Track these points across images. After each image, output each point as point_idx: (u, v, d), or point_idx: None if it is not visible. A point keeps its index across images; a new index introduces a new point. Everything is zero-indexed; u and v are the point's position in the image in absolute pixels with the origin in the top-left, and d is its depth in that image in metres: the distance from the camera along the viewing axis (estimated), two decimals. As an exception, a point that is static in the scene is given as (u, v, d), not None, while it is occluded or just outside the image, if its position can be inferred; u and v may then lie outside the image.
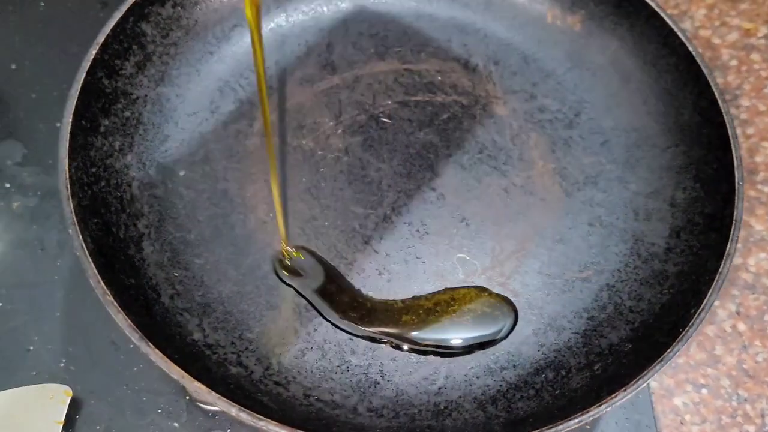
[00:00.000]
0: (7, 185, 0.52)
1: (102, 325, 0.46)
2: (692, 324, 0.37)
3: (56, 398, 0.42)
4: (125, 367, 0.45)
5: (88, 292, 0.45)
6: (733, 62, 0.62)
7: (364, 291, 0.45)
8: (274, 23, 0.54)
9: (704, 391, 0.47)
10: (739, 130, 0.58)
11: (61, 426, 0.41)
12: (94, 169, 0.43)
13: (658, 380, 0.48)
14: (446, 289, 0.45)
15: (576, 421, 0.35)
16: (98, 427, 0.43)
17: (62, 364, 0.45)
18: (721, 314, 0.50)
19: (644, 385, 0.36)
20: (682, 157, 0.48)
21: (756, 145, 0.58)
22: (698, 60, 0.47)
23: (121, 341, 0.46)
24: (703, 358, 0.49)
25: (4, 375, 0.44)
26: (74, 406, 0.43)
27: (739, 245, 0.53)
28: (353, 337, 0.43)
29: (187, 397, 0.44)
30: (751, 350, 0.49)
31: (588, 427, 0.45)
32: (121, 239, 0.42)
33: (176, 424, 0.43)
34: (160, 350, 0.35)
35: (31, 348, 0.45)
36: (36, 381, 0.44)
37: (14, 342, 0.46)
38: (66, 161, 0.40)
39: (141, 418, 0.44)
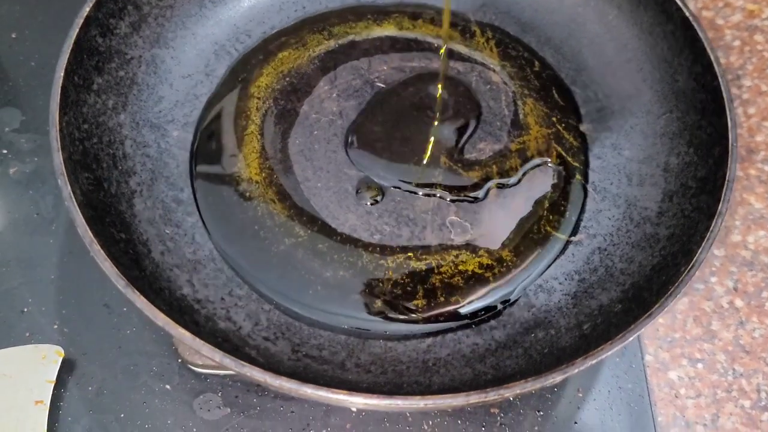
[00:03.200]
0: (5, 151, 0.52)
1: (95, 288, 0.46)
2: (681, 281, 0.37)
3: (48, 358, 0.43)
4: (118, 330, 0.45)
5: (82, 256, 0.46)
6: (736, 43, 0.62)
7: (353, 252, 0.45)
8: (271, -11, 0.54)
9: (700, 365, 0.47)
10: (740, 110, 0.58)
11: (52, 385, 0.42)
12: (86, 126, 0.43)
13: (653, 354, 0.47)
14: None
15: (561, 373, 0.34)
16: (90, 388, 0.43)
17: (55, 326, 0.45)
18: (719, 290, 0.50)
19: (630, 338, 0.36)
20: (677, 124, 0.48)
21: (757, 124, 0.58)
22: (695, 25, 0.46)
23: (114, 304, 0.46)
24: (699, 333, 0.48)
25: (-2, 335, 0.44)
26: (66, 367, 0.43)
27: (737, 222, 0.52)
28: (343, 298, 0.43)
29: (179, 360, 0.44)
30: (748, 326, 0.49)
31: (580, 395, 0.45)
32: (113, 194, 0.42)
33: (168, 386, 0.44)
34: (147, 300, 0.35)
35: (26, 309, 0.46)
36: (29, 342, 0.44)
37: (9, 303, 0.46)
38: (56, 114, 0.40)
39: (132, 380, 0.44)
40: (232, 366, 0.33)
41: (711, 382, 0.47)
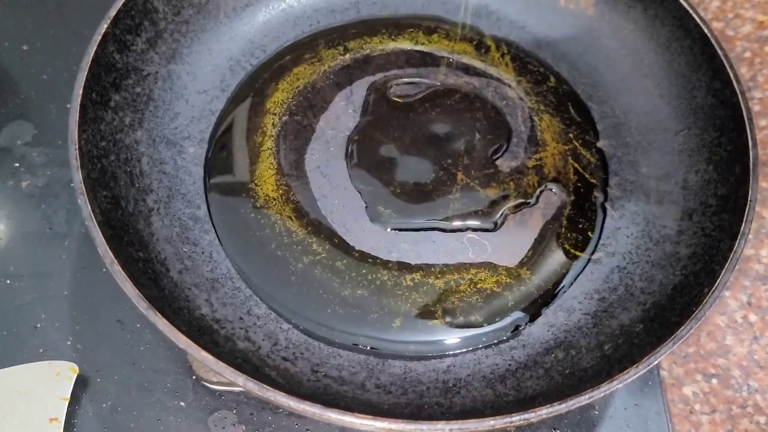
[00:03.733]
0: (17, 164, 0.52)
1: (109, 305, 0.46)
2: (705, 302, 0.37)
3: (62, 375, 0.42)
4: (132, 346, 0.45)
5: (95, 272, 0.46)
6: (747, 54, 0.61)
7: (371, 270, 0.44)
8: (285, 4, 0.54)
9: (714, 380, 0.47)
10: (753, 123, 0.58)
11: (66, 402, 0.41)
12: (104, 143, 0.43)
13: (668, 369, 0.47)
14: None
15: (586, 397, 0.34)
16: (104, 405, 0.43)
17: (69, 342, 0.45)
18: (732, 305, 0.49)
19: (655, 362, 0.35)
20: (695, 140, 0.47)
21: (768, 136, 0.57)
22: (713, 41, 0.46)
23: (128, 320, 0.45)
24: (713, 347, 0.48)
25: (12, 351, 0.44)
26: (80, 384, 0.43)
27: (750, 236, 0.52)
28: (362, 317, 0.43)
29: (194, 377, 0.44)
30: (762, 341, 0.48)
31: (597, 412, 0.45)
32: (130, 213, 0.42)
33: (182, 403, 0.43)
34: (168, 322, 0.35)
35: (39, 325, 0.45)
36: (43, 358, 0.44)
37: (22, 319, 0.45)
38: (76, 132, 0.39)
39: (147, 397, 0.43)
40: (255, 390, 0.33)
41: (726, 398, 0.46)
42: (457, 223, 0.46)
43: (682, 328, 0.36)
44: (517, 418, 0.33)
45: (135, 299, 0.35)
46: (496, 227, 0.46)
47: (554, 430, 0.44)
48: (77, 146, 0.39)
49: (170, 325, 0.34)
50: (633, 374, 0.35)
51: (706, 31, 0.47)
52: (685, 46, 0.49)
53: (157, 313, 0.34)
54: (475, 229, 0.46)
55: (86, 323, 0.45)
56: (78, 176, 0.38)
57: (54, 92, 0.55)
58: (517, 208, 0.47)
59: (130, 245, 0.40)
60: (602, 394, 0.34)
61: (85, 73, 0.42)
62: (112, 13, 0.44)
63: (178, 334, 0.34)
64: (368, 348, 0.42)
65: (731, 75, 0.45)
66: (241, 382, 0.33)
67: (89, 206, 0.37)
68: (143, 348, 0.45)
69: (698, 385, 0.47)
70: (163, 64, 0.48)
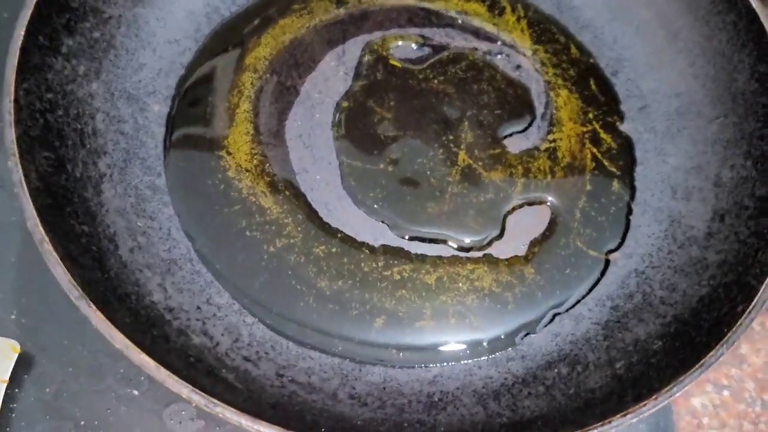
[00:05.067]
0: (-36, 112, 0.47)
1: None
2: (739, 324, 0.32)
3: (2, 353, 0.39)
4: (83, 325, 0.39)
5: None
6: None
7: (353, 260, 0.40)
8: (275, -57, 0.48)
9: (726, 392, 0.44)
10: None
11: (5, 385, 0.38)
12: (50, 95, 0.37)
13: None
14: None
15: (595, 429, 0.29)
16: (48, 390, 0.40)
17: (13, 316, 0.41)
18: (749, 310, 0.46)
19: (678, 393, 0.31)
20: (732, 130, 0.43)
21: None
22: (762, 18, 0.41)
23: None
24: (726, 356, 0.44)
25: (-55, 324, 0.41)
26: (23, 364, 0.40)
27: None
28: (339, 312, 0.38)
29: (149, 372, 0.40)
30: (781, 351, 0.45)
31: (600, 426, 0.41)
32: (77, 178, 0.37)
33: (135, 392, 0.40)
34: (106, 312, 0.30)
35: None
36: None
37: (-41, 288, 0.42)
38: (12, 80, 0.34)
39: (97, 383, 0.40)
40: (201, 404, 0.28)
41: (737, 412, 0.44)
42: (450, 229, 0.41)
43: (711, 353, 0.32)
44: (513, 454, 0.28)
45: (66, 286, 0.30)
46: (501, 234, 0.41)
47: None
48: (12, 98, 0.34)
49: (105, 320, 0.29)
50: (651, 407, 0.31)
51: (754, 4, 0.42)
52: (727, 21, 0.44)
53: (91, 305, 0.29)
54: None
55: (34, 296, 0.42)
56: (11, 134, 0.33)
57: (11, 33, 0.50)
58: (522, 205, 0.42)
59: (73, 217, 0.35)
60: (613, 430, 0.30)
61: (30, 11, 0.36)
62: (67, -58, 0.38)
63: (114, 331, 0.29)
64: (344, 350, 0.37)
65: (782, 58, 0.40)
66: (185, 394, 0.28)
67: (21, 170, 0.32)
68: (96, 327, 0.40)
69: (708, 396, 0.44)
70: (129, 7, 0.43)
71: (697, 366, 0.31)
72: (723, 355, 0.32)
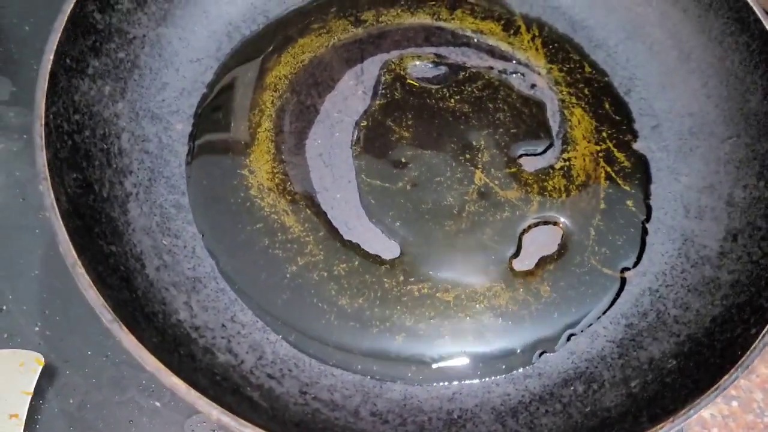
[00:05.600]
0: (-9, 126, 0.48)
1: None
2: (755, 347, 0.33)
3: (27, 366, 0.39)
4: (106, 336, 0.41)
5: None
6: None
7: (373, 278, 0.40)
8: (294, -36, 0.49)
9: (734, 403, 0.44)
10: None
11: (29, 397, 0.38)
12: (77, 116, 0.38)
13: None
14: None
15: (614, 453, 0.30)
16: (71, 401, 0.40)
17: (37, 328, 0.42)
18: (759, 321, 0.46)
19: (694, 415, 0.31)
20: (745, 150, 0.43)
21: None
22: (775, 40, 0.41)
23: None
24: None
25: (-29, 335, 0.41)
26: (46, 376, 0.40)
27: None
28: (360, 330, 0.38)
29: (180, 395, 0.40)
30: (791, 363, 0.45)
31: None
32: (104, 198, 0.38)
33: (158, 404, 0.40)
34: (136, 333, 0.30)
35: (4, 308, 0.42)
36: (7, 345, 0.41)
37: (-14, 300, 0.42)
38: (43, 105, 0.35)
39: (119, 394, 0.40)
40: (231, 425, 0.28)
41: (746, 423, 0.44)
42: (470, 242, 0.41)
43: (725, 376, 0.32)
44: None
45: (99, 309, 0.30)
46: (517, 253, 0.41)
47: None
48: (43, 121, 0.34)
49: (137, 343, 0.29)
50: (667, 429, 0.31)
51: (767, 26, 0.42)
52: (741, 43, 0.44)
53: (123, 328, 0.30)
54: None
55: (57, 308, 0.42)
56: (42, 158, 0.33)
57: (36, 46, 0.51)
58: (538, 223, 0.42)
59: (101, 237, 0.36)
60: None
61: (59, 35, 0.37)
62: (94, -33, 0.39)
63: (147, 354, 0.30)
64: (365, 367, 0.37)
65: (793, 80, 0.40)
66: (215, 416, 0.29)
67: (52, 194, 0.32)
68: (119, 339, 0.41)
69: (716, 406, 0.44)
70: (152, 27, 0.43)
71: (712, 389, 0.32)
72: (737, 378, 0.32)
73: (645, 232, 0.43)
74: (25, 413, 0.38)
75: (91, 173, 0.38)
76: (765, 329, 0.33)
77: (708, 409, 0.44)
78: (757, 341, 0.33)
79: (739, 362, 0.32)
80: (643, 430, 0.31)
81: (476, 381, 0.37)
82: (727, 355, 0.34)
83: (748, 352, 0.33)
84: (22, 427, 0.37)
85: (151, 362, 0.29)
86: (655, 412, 0.33)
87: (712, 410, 0.44)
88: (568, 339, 0.39)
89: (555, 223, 0.42)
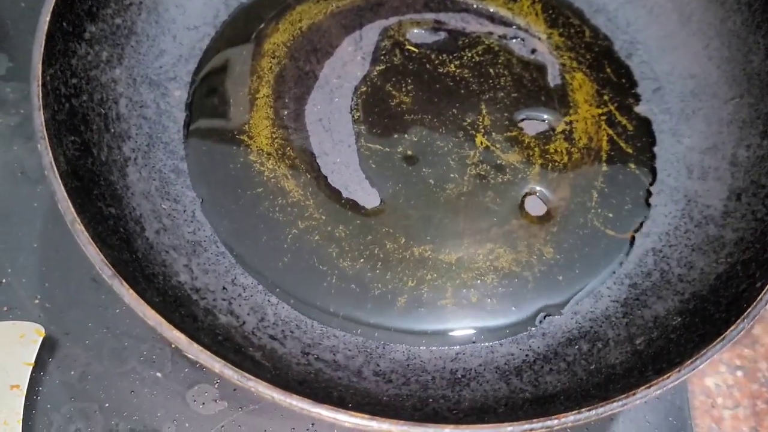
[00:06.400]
0: (-13, 100, 0.47)
1: (83, 260, 0.41)
2: (760, 299, 0.32)
3: (27, 337, 0.39)
4: (106, 308, 0.41)
5: None
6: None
7: (375, 240, 0.40)
8: (291, -69, 0.48)
9: (739, 373, 0.44)
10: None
11: (30, 368, 0.38)
12: (74, 80, 0.38)
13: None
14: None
15: (619, 404, 0.30)
16: (72, 372, 0.40)
17: (37, 301, 0.41)
18: (762, 290, 0.46)
19: (701, 366, 0.31)
20: (748, 110, 0.42)
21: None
22: (777, -2, 0.41)
23: (103, 279, 0.41)
24: (739, 337, 0.44)
25: (-29, 308, 0.41)
26: (47, 348, 0.40)
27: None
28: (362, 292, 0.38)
29: (173, 345, 0.40)
30: (794, 331, 0.45)
31: (614, 404, 0.41)
32: (103, 162, 0.37)
33: (159, 374, 0.40)
34: (136, 291, 0.30)
35: (4, 281, 0.42)
36: (6, 317, 0.41)
37: (-15, 273, 0.42)
38: (39, 67, 0.34)
39: (120, 365, 0.40)
40: (234, 379, 0.28)
41: (751, 392, 0.43)
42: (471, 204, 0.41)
43: (732, 327, 0.32)
44: (538, 426, 0.29)
45: (99, 265, 0.30)
46: (520, 215, 0.41)
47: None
48: (40, 83, 0.34)
49: (138, 298, 0.29)
50: (674, 379, 0.30)
51: (769, -15, 0.42)
52: (742, 3, 0.44)
53: (123, 283, 0.29)
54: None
55: (57, 280, 0.42)
56: (40, 118, 0.33)
57: (33, 22, 0.49)
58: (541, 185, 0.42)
59: (100, 199, 0.36)
60: (637, 401, 0.30)
61: (55, -2, 0.36)
62: (89, -71, 0.39)
63: (147, 308, 0.29)
64: (368, 327, 0.37)
65: (797, 37, 0.39)
66: (218, 369, 0.28)
67: (50, 153, 0.32)
68: (118, 310, 0.41)
69: (722, 376, 0.44)
70: (149, -7, 0.43)
71: (718, 339, 0.31)
72: (744, 330, 0.32)
73: (648, 193, 0.42)
74: (26, 384, 0.37)
75: (89, 137, 0.37)
76: (771, 281, 0.33)
77: (713, 378, 0.43)
78: (762, 293, 0.33)
79: (746, 313, 0.32)
80: (649, 382, 0.31)
81: (480, 342, 0.37)
82: (733, 309, 0.34)
83: (755, 303, 0.32)
84: (23, 398, 0.37)
85: (152, 316, 0.29)
86: (661, 365, 0.32)
87: (717, 380, 0.44)
88: (572, 302, 0.39)
89: (558, 185, 0.42)
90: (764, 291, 0.33)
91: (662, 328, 0.36)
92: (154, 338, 0.40)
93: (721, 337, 0.31)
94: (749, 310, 0.32)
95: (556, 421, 0.29)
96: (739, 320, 0.32)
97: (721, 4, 0.45)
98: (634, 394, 0.30)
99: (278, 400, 0.28)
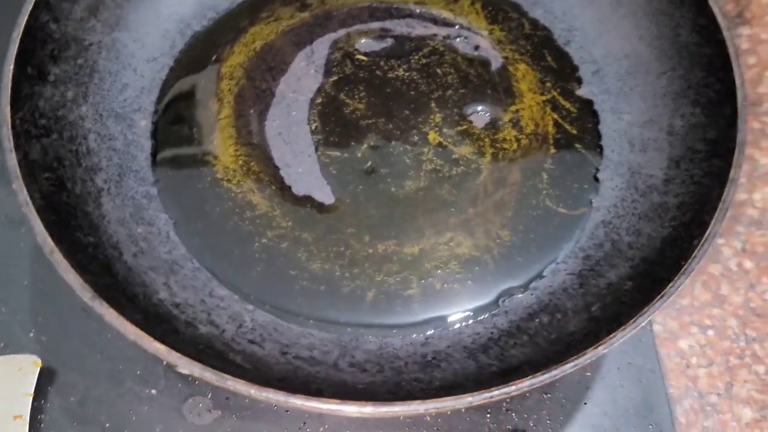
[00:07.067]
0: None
1: (72, 292, 0.43)
2: (695, 256, 0.35)
3: (25, 369, 0.41)
4: (98, 335, 0.43)
5: None
6: (733, -11, 0.59)
7: (340, 241, 0.42)
8: (240, -41, 0.51)
9: (710, 332, 0.46)
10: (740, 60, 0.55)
11: (30, 398, 0.40)
12: (43, 121, 0.40)
13: (661, 323, 0.46)
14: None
15: (571, 365, 0.32)
16: (72, 398, 0.41)
17: (32, 334, 0.43)
18: (726, 252, 0.48)
19: (644, 323, 0.33)
20: (679, 82, 0.44)
21: (759, 75, 0.55)
22: (695, -27, 0.43)
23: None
24: (708, 298, 0.47)
25: (-30, 347, 0.42)
26: (46, 377, 0.41)
27: (743, 180, 0.50)
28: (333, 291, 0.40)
29: (165, 363, 0.41)
30: (759, 288, 0.47)
31: (589, 374, 0.43)
32: (78, 195, 0.39)
33: (153, 391, 0.42)
34: (117, 310, 0.32)
35: None
36: (4, 353, 0.42)
37: (-20, 313, 0.43)
38: (8, 111, 0.37)
39: (117, 387, 0.42)
40: (213, 380, 0.30)
41: (723, 349, 0.45)
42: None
43: (671, 284, 0.34)
44: (497, 393, 0.31)
45: (78, 289, 0.32)
46: (475, 203, 0.43)
47: (545, 394, 0.42)
48: (10, 126, 0.36)
49: (119, 316, 0.31)
50: (620, 337, 0.33)
51: (687, -37, 0.44)
52: None
53: (103, 303, 0.32)
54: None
55: (49, 313, 0.44)
56: (12, 160, 0.35)
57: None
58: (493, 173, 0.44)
59: (78, 229, 0.38)
60: (588, 361, 0.32)
61: (17, 45, 0.39)
62: (43, -21, 0.41)
63: (127, 324, 0.31)
64: (340, 324, 0.39)
65: (715, 10, 0.42)
66: (197, 372, 0.30)
67: (25, 191, 0.34)
68: (110, 335, 0.43)
69: (694, 337, 0.46)
70: (107, 33, 0.45)
71: (658, 297, 0.34)
72: (682, 285, 0.34)
73: (596, 170, 0.45)
74: (29, 414, 0.39)
75: (62, 173, 0.39)
76: (704, 237, 0.35)
77: (686, 341, 0.45)
78: (697, 249, 0.35)
79: (682, 270, 0.34)
80: (600, 341, 0.33)
81: (447, 324, 0.39)
82: (675, 269, 0.36)
83: (690, 260, 0.35)
84: (27, 427, 0.38)
85: (132, 331, 0.31)
86: (613, 327, 0.34)
87: (689, 341, 0.45)
88: (532, 281, 0.41)
89: (510, 171, 0.44)
90: (699, 247, 0.35)
91: (615, 293, 0.38)
92: (146, 359, 0.42)
93: (661, 294, 0.34)
94: (686, 265, 0.34)
95: (513, 387, 0.31)
96: (677, 277, 0.34)
97: (647, -15, 0.47)
98: (583, 354, 0.32)
99: (256, 395, 0.30)
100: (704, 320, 0.46)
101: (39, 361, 0.41)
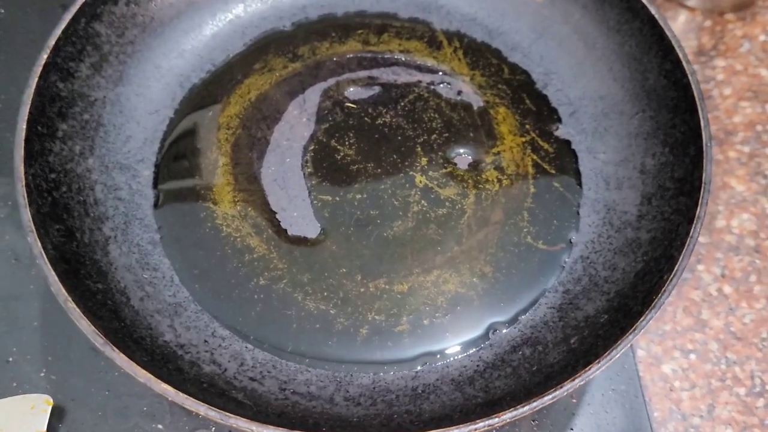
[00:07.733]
0: (-24, 197, 0.51)
1: (80, 333, 0.44)
2: (664, 291, 0.37)
3: (37, 407, 0.42)
4: (106, 373, 0.44)
5: None
6: (707, 23, 0.61)
7: (334, 281, 0.44)
8: (232, 14, 0.53)
9: (692, 356, 0.47)
10: (716, 92, 0.58)
11: None
12: (53, 175, 0.42)
13: (645, 348, 0.47)
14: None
15: (550, 397, 0.34)
16: None
17: (42, 374, 0.44)
18: (706, 278, 0.50)
19: (618, 356, 0.35)
20: (650, 123, 0.47)
21: (734, 105, 0.57)
22: (660, 22, 0.46)
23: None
24: (689, 323, 0.48)
25: (-16, 388, 0.44)
26: (57, 415, 0.43)
27: (720, 207, 0.52)
28: (327, 329, 0.43)
29: (170, 398, 0.44)
30: (738, 312, 0.49)
31: (574, 400, 0.45)
32: (86, 244, 0.42)
33: (160, 426, 0.43)
34: (126, 354, 0.35)
35: (10, 359, 0.45)
36: (16, 392, 0.44)
37: (-7, 354, 0.45)
38: (21, 168, 0.39)
39: (124, 422, 0.43)
40: (216, 418, 0.33)
41: (705, 372, 0.47)
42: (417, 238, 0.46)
43: (642, 318, 0.36)
44: (481, 425, 0.33)
45: (91, 336, 0.35)
46: (460, 241, 0.46)
47: (533, 421, 0.44)
48: (23, 183, 0.38)
49: (129, 360, 0.34)
50: (595, 370, 0.35)
51: (653, 11, 0.47)
52: (634, 28, 0.48)
53: (114, 349, 0.34)
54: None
55: (58, 353, 0.45)
56: (27, 214, 0.38)
57: (9, 121, 0.53)
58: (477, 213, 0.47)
59: (88, 277, 0.40)
60: (566, 393, 0.34)
61: (28, 106, 0.41)
62: (52, 42, 0.44)
63: (137, 368, 0.34)
64: (335, 360, 0.41)
65: (680, 55, 0.44)
66: (203, 412, 0.33)
67: (39, 243, 0.37)
68: (117, 373, 0.44)
69: (677, 362, 0.47)
70: (111, 88, 0.48)
71: (630, 331, 0.36)
72: (652, 318, 0.36)
73: (575, 207, 0.47)
74: (41, 450, 0.40)
75: (71, 223, 0.42)
76: (672, 273, 0.38)
77: (669, 365, 0.47)
78: (666, 284, 0.37)
79: (653, 305, 0.37)
80: (577, 374, 0.35)
81: (436, 358, 0.42)
82: (646, 303, 0.38)
83: (660, 295, 0.37)
84: (41, 464, 0.40)
85: (141, 374, 0.33)
86: (590, 359, 0.36)
87: (672, 366, 0.47)
88: (517, 315, 0.43)
89: (492, 210, 0.47)
90: (668, 282, 0.37)
91: (592, 326, 0.41)
92: (152, 394, 0.43)
93: (633, 328, 0.36)
94: (656, 300, 0.37)
95: (497, 419, 0.34)
96: (648, 311, 0.37)
97: (617, 31, 0.49)
98: (561, 387, 0.34)
99: (257, 432, 0.33)
100: (686, 344, 0.47)
101: (50, 400, 0.42)
